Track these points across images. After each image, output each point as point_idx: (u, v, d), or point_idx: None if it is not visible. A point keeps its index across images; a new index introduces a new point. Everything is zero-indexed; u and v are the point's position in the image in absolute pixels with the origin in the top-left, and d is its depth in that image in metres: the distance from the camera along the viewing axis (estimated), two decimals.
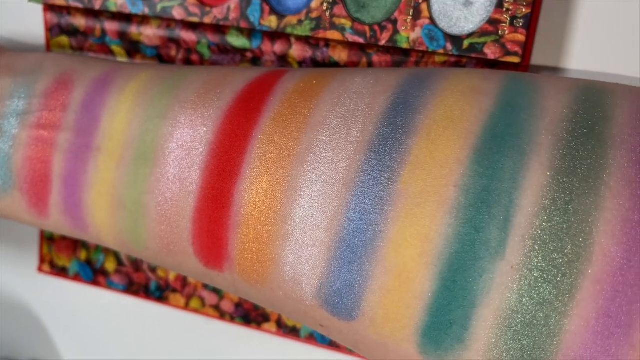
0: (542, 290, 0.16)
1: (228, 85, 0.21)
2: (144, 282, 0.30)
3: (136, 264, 0.30)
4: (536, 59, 0.23)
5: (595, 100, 0.17)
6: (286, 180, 0.18)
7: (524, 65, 0.22)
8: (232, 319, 0.29)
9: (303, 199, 0.18)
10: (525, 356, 0.16)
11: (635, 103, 0.17)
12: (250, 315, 0.29)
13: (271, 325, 0.28)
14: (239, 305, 0.29)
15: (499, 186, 0.16)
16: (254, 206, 0.19)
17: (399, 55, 0.24)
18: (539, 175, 0.16)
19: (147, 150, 0.21)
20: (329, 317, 0.19)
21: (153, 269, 0.30)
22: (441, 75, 0.19)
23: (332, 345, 0.28)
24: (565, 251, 0.15)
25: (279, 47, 0.26)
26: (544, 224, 0.16)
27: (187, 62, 0.28)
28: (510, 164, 0.16)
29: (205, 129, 0.20)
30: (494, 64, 0.23)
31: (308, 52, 0.26)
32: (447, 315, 0.17)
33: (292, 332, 0.28)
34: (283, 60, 0.26)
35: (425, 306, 0.17)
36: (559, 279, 0.15)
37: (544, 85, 0.18)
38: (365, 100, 0.19)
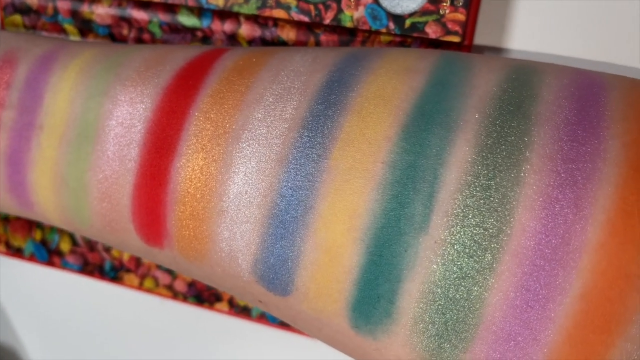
0: (463, 264, 0.16)
1: (168, 63, 0.21)
2: (98, 262, 0.30)
3: (91, 244, 0.30)
4: (479, 39, 0.23)
5: (524, 79, 0.18)
6: (221, 157, 0.19)
7: (467, 45, 0.23)
8: (185, 298, 0.29)
9: (237, 175, 0.18)
10: (449, 329, 0.16)
11: (563, 82, 0.18)
12: (202, 294, 0.29)
13: (223, 305, 0.29)
14: (191, 285, 0.29)
15: (424, 162, 0.16)
16: (190, 183, 0.19)
17: (346, 35, 0.24)
18: (463, 151, 0.16)
19: (89, 128, 0.21)
20: (265, 293, 0.19)
21: (107, 249, 0.30)
22: (378, 54, 0.19)
23: (282, 324, 0.28)
24: (486, 226, 0.16)
25: (228, 26, 0.26)
26: (466, 199, 0.16)
27: (139, 41, 0.28)
28: (437, 141, 0.17)
29: (143, 106, 0.20)
30: (437, 44, 0.23)
31: (257, 32, 0.26)
32: (374, 289, 0.17)
33: (243, 311, 0.28)
34: (233, 39, 0.26)
35: (354, 280, 0.17)
36: (479, 253, 0.16)
37: (477, 64, 0.18)
38: (301, 78, 0.19)
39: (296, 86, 0.19)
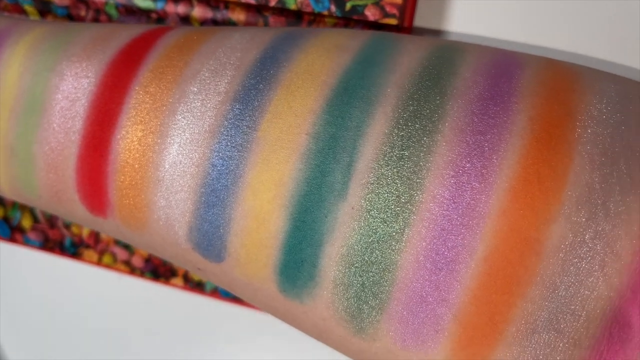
0: (378, 229, 0.17)
1: (114, 40, 0.21)
2: (58, 238, 0.31)
3: (51, 221, 0.31)
4: (420, 21, 0.24)
5: (446, 56, 0.19)
6: (158, 129, 0.19)
7: (407, 28, 0.23)
8: (142, 274, 0.30)
9: (172, 146, 0.19)
10: (366, 291, 0.17)
11: (483, 60, 0.19)
12: (158, 270, 0.30)
13: (178, 280, 0.30)
14: (148, 260, 0.30)
15: (345, 134, 0.17)
16: (129, 153, 0.20)
17: (293, 18, 0.25)
18: (381, 124, 0.17)
19: (36, 101, 0.21)
20: (202, 260, 0.20)
21: (67, 226, 0.31)
22: (313, 34, 0.20)
23: (234, 298, 0.29)
24: (399, 193, 0.17)
25: (181, 8, 0.27)
26: (382, 168, 0.17)
27: (96, 22, 0.28)
28: (357, 114, 0.18)
29: (87, 80, 0.21)
30: (378, 27, 0.24)
31: (209, 14, 0.26)
32: (298, 253, 0.18)
33: (197, 286, 0.29)
34: (186, 21, 0.27)
35: (280, 246, 0.18)
36: (392, 218, 0.17)
37: (405, 43, 0.19)
38: (237, 54, 0.20)
39: (231, 62, 0.20)
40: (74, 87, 0.21)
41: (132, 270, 0.30)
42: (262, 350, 0.31)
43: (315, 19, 0.25)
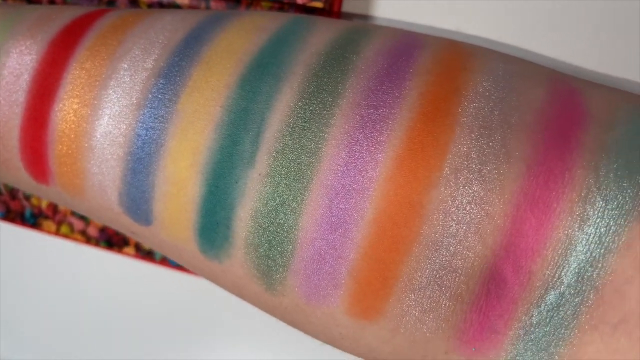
0: (282, 194, 0.19)
1: (56, 21, 0.23)
2: (19, 209, 0.33)
3: (12, 193, 0.33)
4: (348, 7, 0.26)
5: (354, 38, 0.20)
6: (92, 102, 0.21)
7: (335, 12, 0.25)
8: (97, 243, 0.32)
9: (103, 118, 0.21)
10: (273, 250, 0.19)
11: (387, 42, 0.20)
12: (112, 239, 0.32)
13: (130, 249, 0.31)
14: (103, 230, 0.32)
15: (254, 107, 0.19)
16: (66, 124, 0.21)
17: (233, 2, 0.27)
18: (287, 98, 0.19)
19: None
20: (133, 224, 0.22)
21: (27, 197, 0.33)
22: (237, 16, 0.22)
23: (180, 267, 0.31)
24: (300, 161, 0.19)
25: None
26: (285, 138, 0.19)
27: (52, 3, 0.30)
28: (267, 89, 0.19)
29: (30, 57, 0.22)
30: (309, 10, 0.25)
31: None
32: (214, 216, 0.20)
33: (148, 255, 0.31)
34: (135, 4, 0.28)
35: (197, 209, 0.20)
36: (294, 184, 0.19)
37: (319, 26, 0.21)
38: (166, 34, 0.21)
39: (160, 41, 0.21)
40: (18, 64, 0.23)
41: (88, 239, 0.32)
42: (207, 315, 0.33)
43: (253, 2, 0.26)
